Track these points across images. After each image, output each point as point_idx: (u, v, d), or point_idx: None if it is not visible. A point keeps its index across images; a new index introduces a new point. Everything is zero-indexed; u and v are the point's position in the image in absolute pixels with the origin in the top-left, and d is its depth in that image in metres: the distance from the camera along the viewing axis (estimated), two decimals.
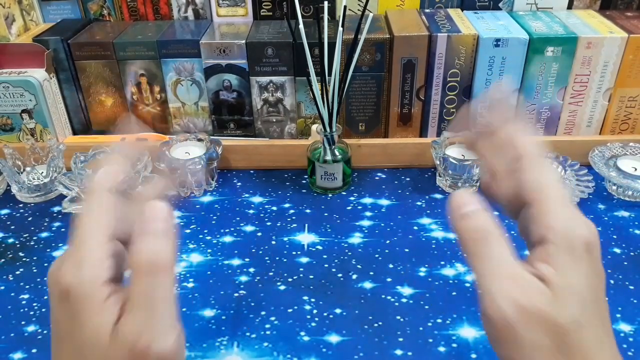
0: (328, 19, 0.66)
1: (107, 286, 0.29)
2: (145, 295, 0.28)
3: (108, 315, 0.28)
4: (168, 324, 0.29)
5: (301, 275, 0.58)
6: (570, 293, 0.29)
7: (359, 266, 0.59)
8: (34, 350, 0.50)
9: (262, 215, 0.68)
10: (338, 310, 0.54)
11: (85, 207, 0.31)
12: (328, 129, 0.68)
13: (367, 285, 0.57)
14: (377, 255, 0.61)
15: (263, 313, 0.54)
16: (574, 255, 0.29)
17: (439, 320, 0.53)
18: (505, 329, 0.29)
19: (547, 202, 0.31)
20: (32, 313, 0.54)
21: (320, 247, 0.62)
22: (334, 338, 0.51)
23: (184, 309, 0.54)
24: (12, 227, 0.66)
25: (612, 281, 0.57)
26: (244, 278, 0.58)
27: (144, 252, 0.29)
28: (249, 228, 0.65)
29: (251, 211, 0.68)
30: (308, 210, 0.68)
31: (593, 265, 0.30)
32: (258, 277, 0.58)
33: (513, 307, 0.28)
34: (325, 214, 0.68)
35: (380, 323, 0.53)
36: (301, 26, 0.62)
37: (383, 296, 0.56)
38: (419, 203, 0.69)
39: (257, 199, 0.71)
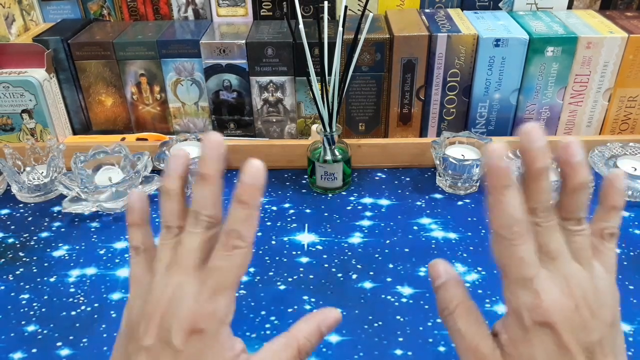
0: (328, 19, 0.66)
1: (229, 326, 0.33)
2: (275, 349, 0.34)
3: (234, 349, 0.32)
4: None
5: (301, 275, 0.58)
6: None
7: (359, 266, 0.59)
8: (34, 350, 0.50)
9: (262, 215, 0.68)
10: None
11: (230, 259, 0.32)
12: (328, 129, 0.68)
13: (367, 285, 0.57)
14: (377, 255, 0.61)
15: (263, 313, 0.54)
16: (524, 330, 0.31)
17: (439, 320, 0.53)
18: None
19: (505, 279, 0.32)
20: (32, 313, 0.54)
21: (320, 247, 0.62)
22: (334, 338, 0.51)
23: None
24: (12, 227, 0.66)
25: None
26: (244, 278, 0.58)
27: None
28: None
29: None
30: (308, 210, 0.68)
31: (551, 342, 0.31)
32: (258, 277, 0.58)
33: None
34: (325, 214, 0.68)
35: (380, 323, 0.53)
36: (301, 26, 0.62)
37: (383, 296, 0.56)
38: (419, 203, 0.69)
39: None
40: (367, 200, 0.70)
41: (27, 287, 0.57)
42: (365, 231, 0.64)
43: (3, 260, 0.61)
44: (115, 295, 0.56)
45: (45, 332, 0.52)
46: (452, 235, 0.63)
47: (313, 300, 0.55)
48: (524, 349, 0.32)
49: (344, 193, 0.72)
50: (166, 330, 0.31)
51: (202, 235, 0.32)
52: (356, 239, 0.63)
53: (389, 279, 0.58)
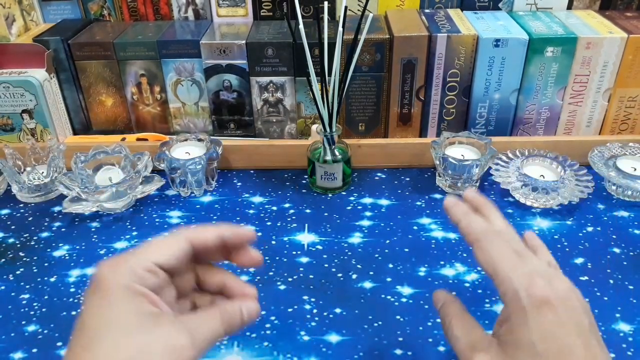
0: (328, 19, 0.66)
1: (138, 287, 0.33)
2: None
3: (135, 303, 0.32)
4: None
5: (301, 275, 0.58)
6: (518, 347, 0.33)
7: (359, 266, 0.60)
8: (34, 350, 0.51)
9: (262, 215, 0.68)
10: (338, 310, 0.54)
11: (163, 236, 0.35)
12: (328, 129, 0.68)
13: (367, 285, 0.57)
14: (377, 255, 0.61)
15: (263, 313, 0.54)
16: (523, 312, 0.33)
17: (439, 320, 0.52)
18: None
19: (497, 275, 0.35)
20: (32, 313, 0.54)
21: (320, 247, 0.62)
22: (334, 338, 0.51)
23: None
24: (13, 227, 0.66)
25: (611, 281, 0.57)
26: (243, 278, 0.58)
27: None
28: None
29: (251, 211, 0.68)
30: (308, 210, 0.68)
31: (549, 322, 0.32)
32: (258, 277, 0.58)
33: None
34: (325, 214, 0.68)
35: (380, 323, 0.53)
36: (301, 26, 0.62)
37: (383, 296, 0.56)
38: (418, 203, 0.69)
39: (257, 199, 0.71)
40: (367, 200, 0.70)
41: (28, 287, 0.57)
42: (365, 231, 0.65)
43: (3, 260, 0.61)
44: None
45: (45, 332, 0.52)
46: (452, 236, 0.64)
47: (313, 300, 0.55)
48: (522, 333, 0.33)
49: (344, 193, 0.72)
50: None
51: None
52: (356, 239, 0.63)
53: (388, 279, 0.58)
